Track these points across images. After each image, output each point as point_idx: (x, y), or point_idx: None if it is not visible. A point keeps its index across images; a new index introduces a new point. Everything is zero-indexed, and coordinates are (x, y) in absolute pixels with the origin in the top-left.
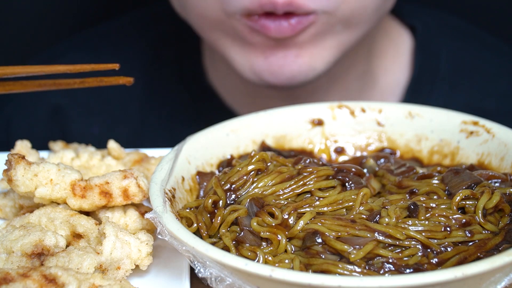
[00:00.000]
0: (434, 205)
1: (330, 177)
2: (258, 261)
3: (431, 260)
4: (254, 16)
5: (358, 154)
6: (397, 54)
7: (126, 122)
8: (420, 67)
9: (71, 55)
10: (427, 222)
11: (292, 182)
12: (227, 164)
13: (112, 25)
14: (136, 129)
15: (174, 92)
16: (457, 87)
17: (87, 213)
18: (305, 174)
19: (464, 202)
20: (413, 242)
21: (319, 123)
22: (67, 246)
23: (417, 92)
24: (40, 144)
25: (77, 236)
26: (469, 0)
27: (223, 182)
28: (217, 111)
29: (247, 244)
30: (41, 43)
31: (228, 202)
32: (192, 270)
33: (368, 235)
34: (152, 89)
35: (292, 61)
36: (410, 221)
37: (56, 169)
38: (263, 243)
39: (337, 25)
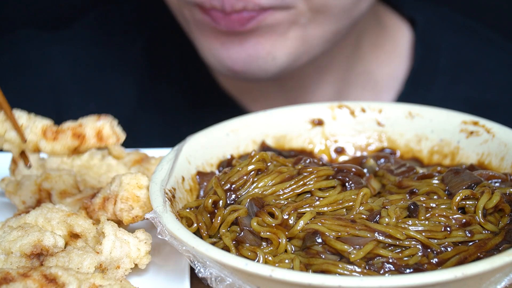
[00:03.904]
0: (434, 205)
1: (330, 177)
2: (258, 261)
3: (431, 260)
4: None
5: (358, 154)
6: (394, 47)
7: (124, 104)
8: (420, 60)
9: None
10: (427, 222)
11: (292, 182)
12: (227, 164)
13: (113, 11)
14: (134, 110)
15: (175, 79)
16: (457, 80)
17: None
18: (305, 174)
19: (464, 202)
20: (413, 242)
21: (319, 123)
22: (64, 246)
23: (416, 85)
24: None
25: (75, 236)
26: None
27: (223, 182)
28: (216, 98)
29: (247, 244)
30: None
31: (228, 202)
32: (192, 270)
33: (368, 235)
34: (154, 74)
35: (250, 48)
36: (410, 221)
37: (27, 116)
38: (263, 243)
39: (301, 18)
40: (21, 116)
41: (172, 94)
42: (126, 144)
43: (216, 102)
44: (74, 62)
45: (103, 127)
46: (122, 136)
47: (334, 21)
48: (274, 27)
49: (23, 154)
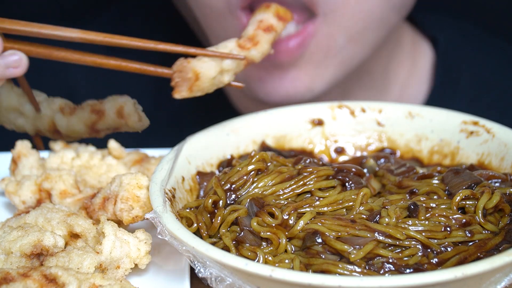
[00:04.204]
0: (434, 205)
1: (330, 177)
2: (258, 261)
3: (431, 260)
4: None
5: (358, 154)
6: (415, 68)
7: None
8: (440, 82)
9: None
10: (427, 222)
11: (292, 182)
12: (227, 164)
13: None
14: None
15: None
16: (477, 102)
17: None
18: (305, 174)
19: (464, 202)
20: (413, 242)
21: (319, 123)
22: (64, 246)
23: (436, 104)
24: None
25: (75, 236)
26: (485, 7)
27: (223, 182)
28: (224, 111)
29: (247, 244)
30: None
31: (228, 202)
32: (192, 270)
33: (368, 235)
34: (163, 86)
35: (288, 83)
36: (410, 221)
37: (45, 96)
38: (263, 243)
39: (339, 36)
40: (40, 95)
41: (181, 104)
42: (126, 144)
43: (217, 103)
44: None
45: (124, 104)
46: (146, 120)
47: (372, 33)
48: (314, 54)
49: (37, 138)
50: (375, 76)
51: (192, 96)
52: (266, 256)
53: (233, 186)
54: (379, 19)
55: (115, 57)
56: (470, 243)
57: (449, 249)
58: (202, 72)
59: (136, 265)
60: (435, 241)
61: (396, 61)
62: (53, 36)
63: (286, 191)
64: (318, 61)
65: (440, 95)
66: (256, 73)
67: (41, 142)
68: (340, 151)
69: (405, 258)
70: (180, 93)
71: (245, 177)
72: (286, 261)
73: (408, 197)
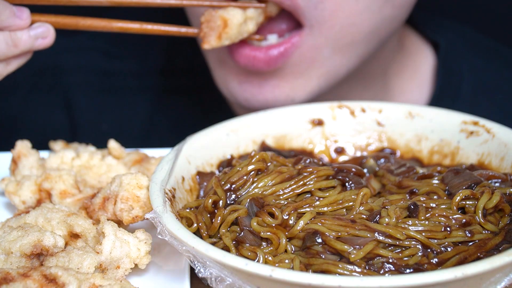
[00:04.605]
0: (434, 205)
1: (330, 177)
2: (258, 261)
3: (431, 260)
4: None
5: (358, 154)
6: (416, 73)
7: (135, 121)
8: (441, 87)
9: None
10: (427, 222)
11: (292, 182)
12: (227, 164)
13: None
14: (144, 129)
15: (185, 94)
16: (477, 107)
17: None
18: (305, 174)
19: (464, 202)
20: (413, 242)
21: (319, 123)
22: (64, 246)
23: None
24: (42, 141)
25: (74, 236)
26: (487, 11)
27: (223, 182)
28: (224, 113)
29: (247, 244)
30: None
31: (228, 202)
32: (192, 270)
33: (368, 235)
34: (165, 90)
35: (268, 91)
36: (410, 221)
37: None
38: (263, 243)
39: (325, 48)
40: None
41: (184, 110)
42: (126, 144)
43: (217, 104)
44: (86, 73)
45: None
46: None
47: (361, 45)
48: (297, 65)
49: None
50: (374, 80)
51: (220, 46)
52: (266, 256)
53: (233, 186)
54: (368, 32)
55: (139, 21)
56: (470, 243)
57: (449, 249)
58: (230, 18)
59: (136, 265)
60: (435, 241)
61: (397, 64)
62: (82, 2)
63: (286, 191)
64: (300, 72)
65: (441, 100)
66: (235, 76)
67: None
68: (340, 151)
69: (405, 258)
70: (210, 43)
71: (245, 177)
72: (286, 261)
73: (408, 197)
